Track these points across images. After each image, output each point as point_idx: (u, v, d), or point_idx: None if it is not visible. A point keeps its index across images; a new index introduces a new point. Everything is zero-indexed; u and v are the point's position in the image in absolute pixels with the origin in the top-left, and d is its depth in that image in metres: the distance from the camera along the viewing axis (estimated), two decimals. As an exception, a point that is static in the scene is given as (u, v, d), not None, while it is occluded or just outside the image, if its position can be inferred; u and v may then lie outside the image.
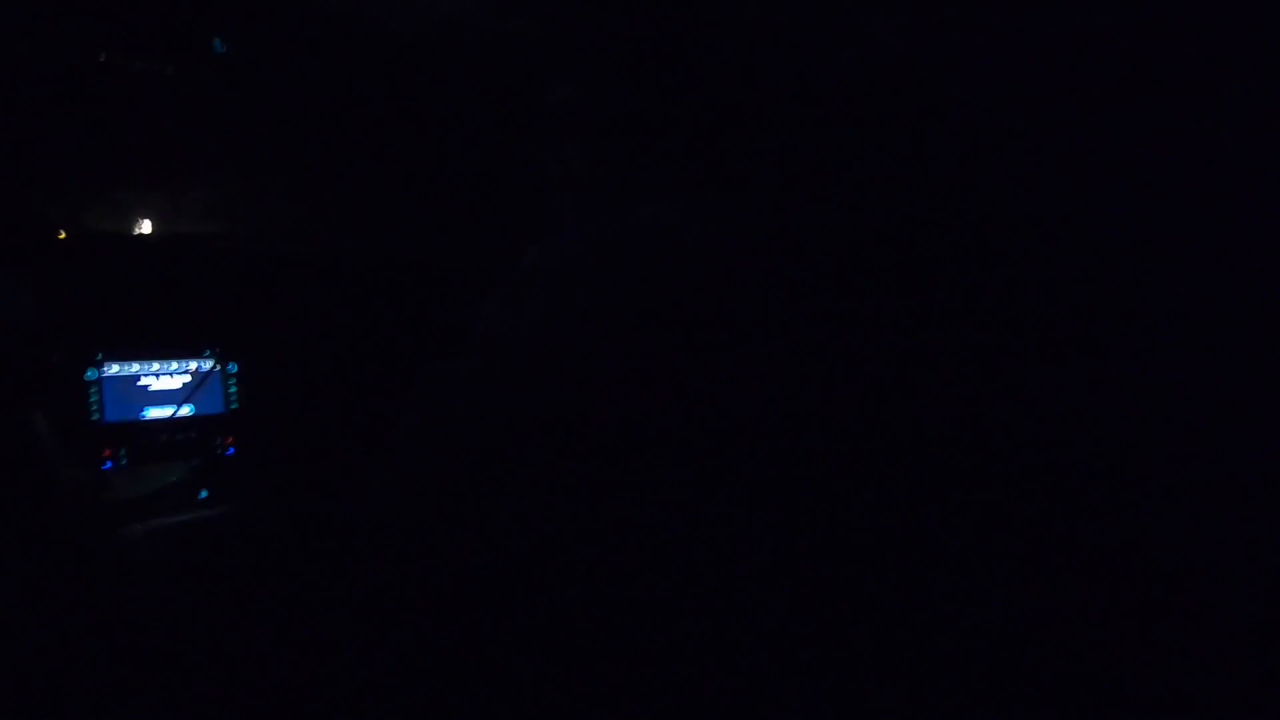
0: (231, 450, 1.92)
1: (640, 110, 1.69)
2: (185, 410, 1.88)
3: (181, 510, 1.82)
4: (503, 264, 1.88)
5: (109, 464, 1.76)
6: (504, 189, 2.08)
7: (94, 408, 1.79)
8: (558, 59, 1.98)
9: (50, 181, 1.81)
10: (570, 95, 1.83)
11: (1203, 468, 1.32)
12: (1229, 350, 1.32)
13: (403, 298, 2.09)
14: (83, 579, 1.64)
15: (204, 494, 1.85)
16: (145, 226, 1.92)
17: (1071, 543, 1.42)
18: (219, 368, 1.93)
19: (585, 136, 1.80)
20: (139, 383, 1.85)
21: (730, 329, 1.28)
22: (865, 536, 1.36)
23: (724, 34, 1.57)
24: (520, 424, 1.43)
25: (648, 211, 1.38)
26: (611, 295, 1.53)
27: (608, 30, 1.69)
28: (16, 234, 1.72)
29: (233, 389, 1.95)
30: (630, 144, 1.69)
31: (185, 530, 1.80)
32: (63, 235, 1.75)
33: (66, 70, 1.72)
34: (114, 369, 1.83)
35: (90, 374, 1.79)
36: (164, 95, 1.82)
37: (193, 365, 1.91)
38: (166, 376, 1.88)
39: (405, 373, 2.04)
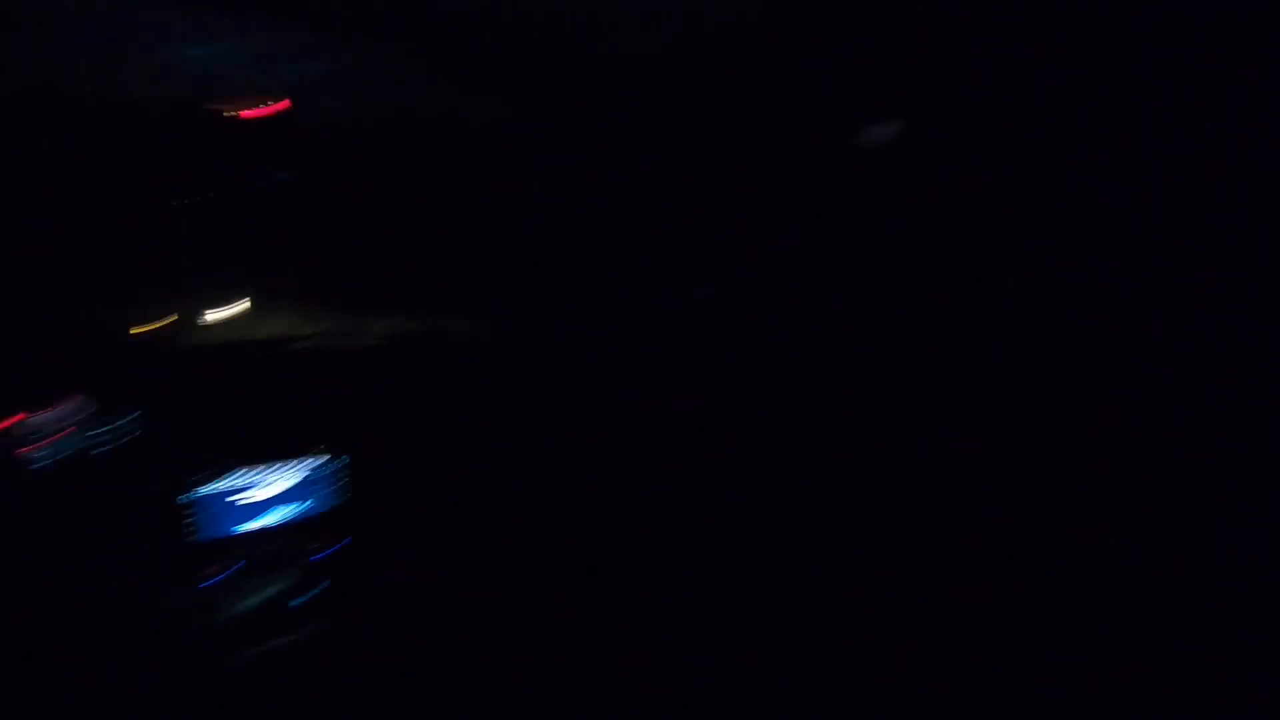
0: (322, 555, 2.01)
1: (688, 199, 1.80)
2: (278, 517, 2.00)
3: (279, 628, 1.93)
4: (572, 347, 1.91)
5: (210, 581, 1.89)
6: (568, 275, 2.07)
7: (192, 528, 1.91)
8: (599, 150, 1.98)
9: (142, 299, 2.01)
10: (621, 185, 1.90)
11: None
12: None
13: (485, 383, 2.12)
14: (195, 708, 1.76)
15: (297, 602, 1.94)
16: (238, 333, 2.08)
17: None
18: (314, 471, 2.04)
19: (640, 224, 1.89)
20: (231, 497, 1.98)
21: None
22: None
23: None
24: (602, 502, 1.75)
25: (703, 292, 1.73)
26: (677, 374, 1.79)
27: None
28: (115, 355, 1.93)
29: (324, 491, 2.04)
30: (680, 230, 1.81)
31: (285, 652, 1.89)
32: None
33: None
34: (208, 487, 1.96)
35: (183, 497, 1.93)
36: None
37: (285, 472, 2.02)
38: (258, 489, 2.00)
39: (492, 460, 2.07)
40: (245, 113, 1.88)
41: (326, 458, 2.05)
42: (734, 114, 1.83)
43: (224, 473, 1.96)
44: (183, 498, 1.91)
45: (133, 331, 1.93)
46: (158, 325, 1.96)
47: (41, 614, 1.68)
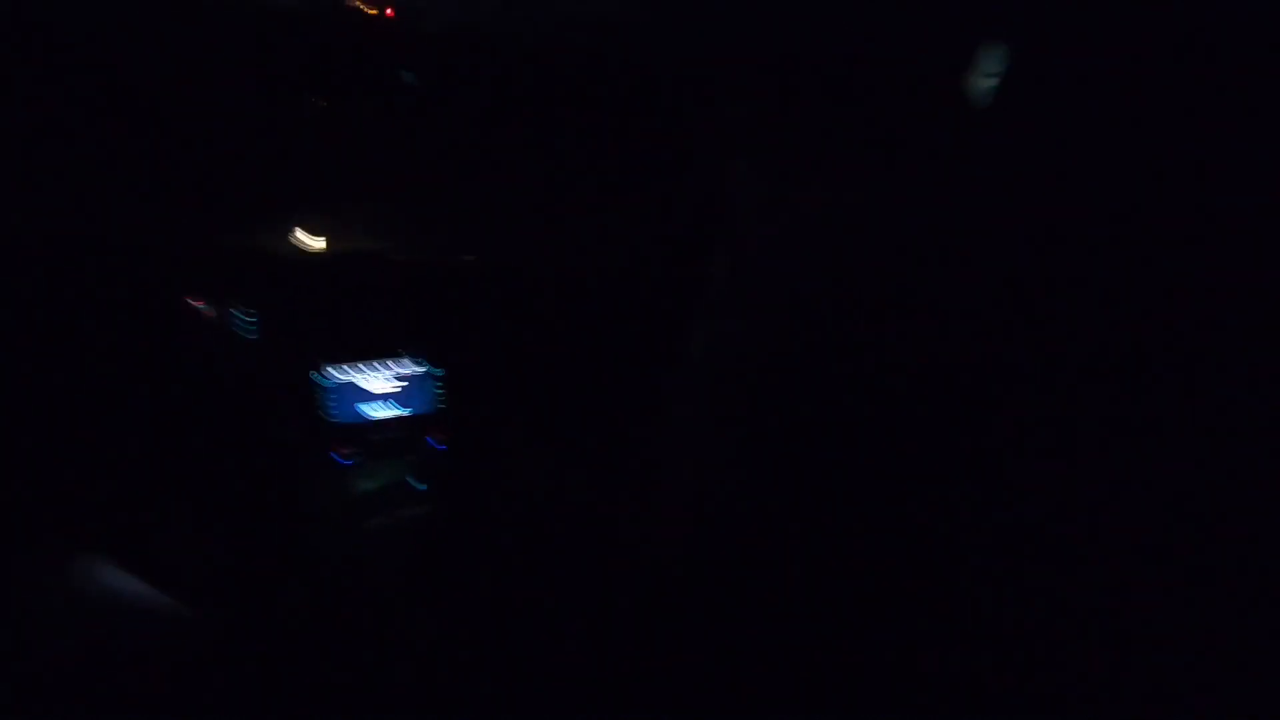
0: (443, 447, 2.06)
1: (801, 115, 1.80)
2: (401, 410, 2.05)
3: (407, 506, 1.98)
4: (688, 272, 1.93)
5: (348, 461, 1.94)
6: (676, 200, 2.14)
7: (326, 408, 1.98)
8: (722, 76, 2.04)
9: (264, 210, 2.04)
10: (738, 109, 1.93)
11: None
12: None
13: (588, 308, 2.19)
14: (330, 569, 1.81)
15: (423, 488, 2.00)
16: (356, 245, 2.12)
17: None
18: (428, 372, 2.09)
19: (752, 146, 1.90)
20: (359, 387, 2.04)
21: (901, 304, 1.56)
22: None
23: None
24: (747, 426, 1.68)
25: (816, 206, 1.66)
26: (803, 288, 1.60)
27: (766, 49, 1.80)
28: (238, 259, 1.95)
29: (439, 391, 2.10)
30: (793, 147, 1.81)
31: (414, 524, 1.96)
32: (285, 253, 1.98)
33: (284, 112, 1.95)
34: (336, 375, 2.02)
35: (318, 379, 1.98)
36: (368, 125, 2.01)
37: (404, 370, 2.08)
38: (381, 381, 2.06)
39: (595, 377, 2.14)
40: (376, 13, 1.90)
41: (427, 365, 2.09)
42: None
43: (350, 364, 2.01)
44: (314, 380, 1.96)
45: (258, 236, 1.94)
46: (281, 229, 1.97)
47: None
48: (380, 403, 2.04)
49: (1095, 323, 1.57)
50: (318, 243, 2.04)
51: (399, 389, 2.06)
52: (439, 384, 2.10)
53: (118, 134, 1.80)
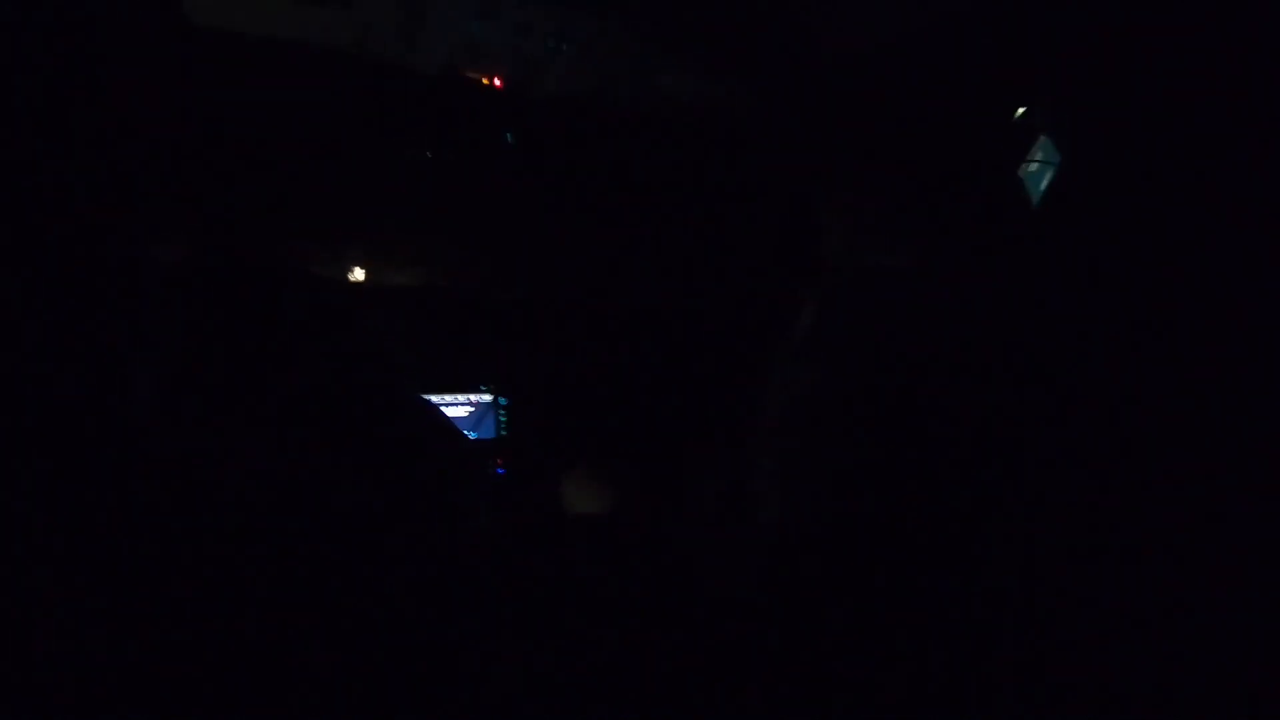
0: (501, 470, 2.32)
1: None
2: (470, 435, 2.30)
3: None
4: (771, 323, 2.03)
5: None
6: (765, 243, 2.24)
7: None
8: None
9: (373, 248, 2.20)
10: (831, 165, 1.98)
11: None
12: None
13: (665, 346, 2.36)
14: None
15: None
16: (430, 279, 2.29)
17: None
18: (495, 401, 2.32)
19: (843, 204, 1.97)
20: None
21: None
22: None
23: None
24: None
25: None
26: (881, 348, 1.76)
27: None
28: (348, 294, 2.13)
29: (503, 419, 2.34)
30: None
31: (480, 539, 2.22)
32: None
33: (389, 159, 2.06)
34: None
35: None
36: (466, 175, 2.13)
37: (472, 398, 2.31)
38: (453, 407, 2.29)
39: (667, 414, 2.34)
40: (490, 81, 1.97)
41: (492, 396, 2.31)
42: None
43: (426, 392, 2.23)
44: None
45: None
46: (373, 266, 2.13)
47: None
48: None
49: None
50: (412, 278, 2.22)
51: (467, 416, 2.30)
52: (504, 413, 2.33)
53: (243, 180, 1.94)
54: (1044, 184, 1.88)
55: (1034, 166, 1.90)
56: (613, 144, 2.15)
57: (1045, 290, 1.77)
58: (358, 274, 2.17)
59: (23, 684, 0.97)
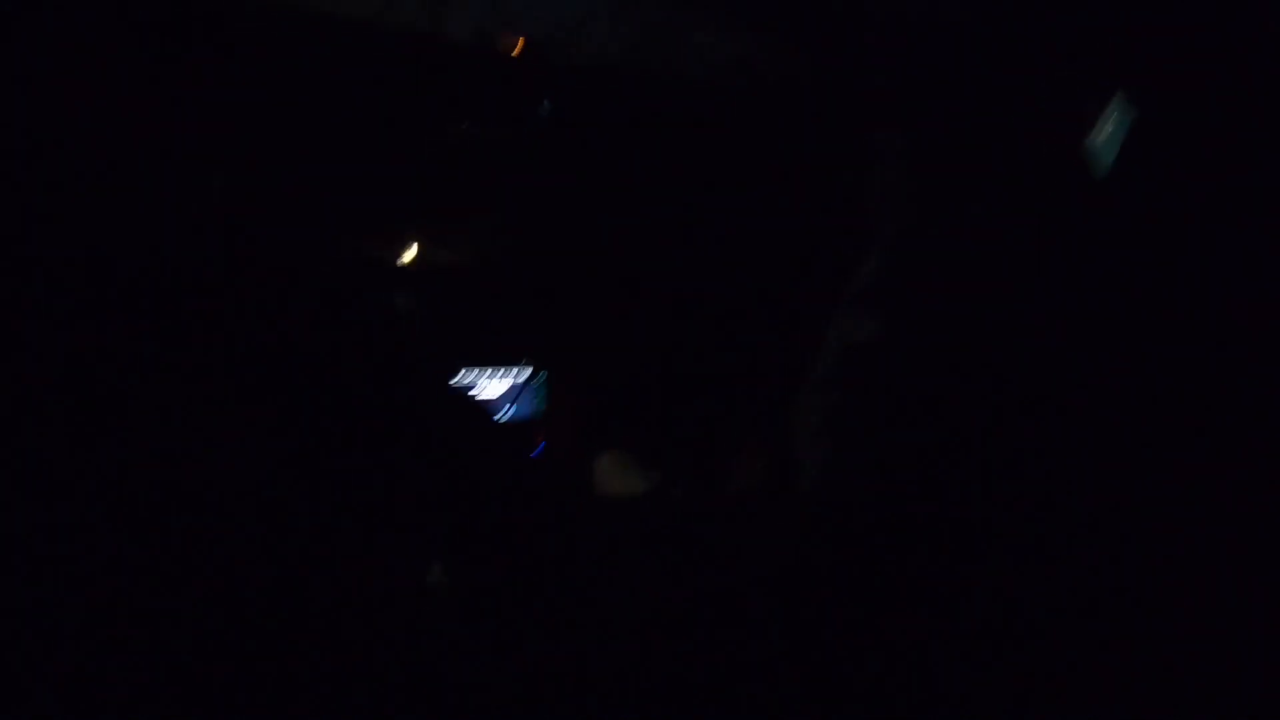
0: (540, 448, 2.30)
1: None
2: (509, 413, 2.27)
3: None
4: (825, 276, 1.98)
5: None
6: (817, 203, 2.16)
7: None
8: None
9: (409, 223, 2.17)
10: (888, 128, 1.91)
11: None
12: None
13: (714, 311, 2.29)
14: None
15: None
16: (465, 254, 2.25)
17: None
18: (533, 376, 2.28)
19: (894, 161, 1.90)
20: (472, 391, 2.25)
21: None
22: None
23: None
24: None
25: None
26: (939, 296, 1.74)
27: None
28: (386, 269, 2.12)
29: (542, 394, 2.30)
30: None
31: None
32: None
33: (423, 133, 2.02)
34: (456, 379, 2.23)
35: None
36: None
37: (512, 373, 2.28)
38: (494, 383, 2.27)
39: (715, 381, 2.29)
40: (520, 49, 1.90)
41: (531, 370, 2.28)
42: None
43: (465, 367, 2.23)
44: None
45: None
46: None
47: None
48: (495, 407, 2.26)
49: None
50: (449, 254, 2.18)
51: (510, 393, 2.27)
52: (544, 388, 2.30)
53: (273, 148, 1.91)
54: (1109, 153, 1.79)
55: (1103, 137, 1.79)
56: (651, 110, 2.07)
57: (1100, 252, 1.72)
58: (391, 252, 2.15)
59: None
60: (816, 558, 1.81)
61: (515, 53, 1.92)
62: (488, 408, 2.24)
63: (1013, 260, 1.87)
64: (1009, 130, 1.80)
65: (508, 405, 2.27)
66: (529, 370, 2.28)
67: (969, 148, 1.83)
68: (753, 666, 1.66)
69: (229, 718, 1.18)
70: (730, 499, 2.07)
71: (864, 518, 1.73)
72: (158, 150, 1.48)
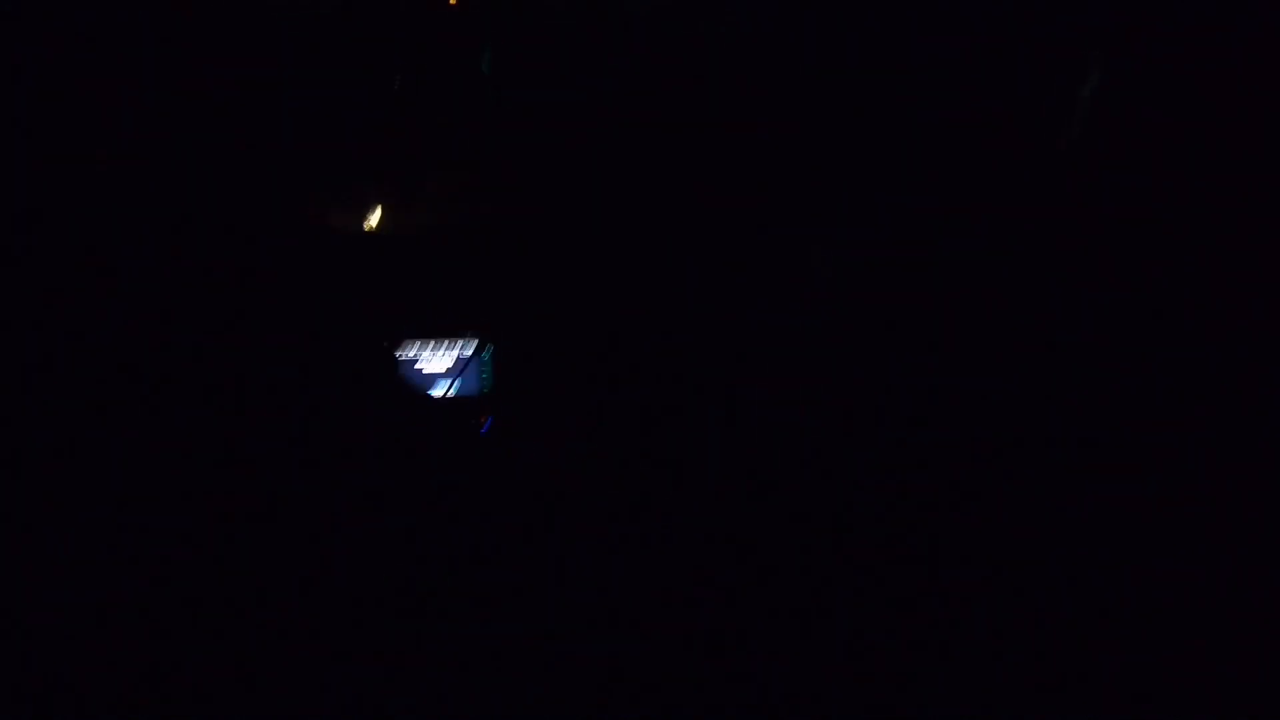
0: (486, 427, 2.18)
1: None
2: (453, 389, 2.16)
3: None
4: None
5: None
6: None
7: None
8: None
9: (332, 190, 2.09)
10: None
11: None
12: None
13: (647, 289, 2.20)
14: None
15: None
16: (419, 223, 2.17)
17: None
18: (479, 351, 2.18)
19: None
20: (416, 365, 2.15)
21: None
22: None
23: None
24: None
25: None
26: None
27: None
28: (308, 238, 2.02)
29: (488, 371, 2.20)
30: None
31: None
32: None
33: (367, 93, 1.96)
34: (399, 353, 2.13)
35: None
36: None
37: (456, 349, 2.17)
38: (438, 359, 2.16)
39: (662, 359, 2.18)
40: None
41: (478, 343, 2.18)
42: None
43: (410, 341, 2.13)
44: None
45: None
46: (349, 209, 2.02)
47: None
48: (436, 382, 2.15)
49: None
50: (386, 221, 2.10)
51: (455, 369, 2.17)
52: (491, 364, 2.19)
53: (195, 108, 1.84)
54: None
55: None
56: (596, 60, 2.01)
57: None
58: (328, 218, 2.06)
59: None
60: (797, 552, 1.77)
61: (453, 6, 1.87)
62: (426, 385, 2.14)
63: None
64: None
65: (451, 380, 2.16)
66: (475, 343, 2.18)
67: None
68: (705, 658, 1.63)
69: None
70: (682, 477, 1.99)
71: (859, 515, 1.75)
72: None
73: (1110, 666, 1.43)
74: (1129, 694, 1.40)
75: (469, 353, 2.17)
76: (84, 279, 1.61)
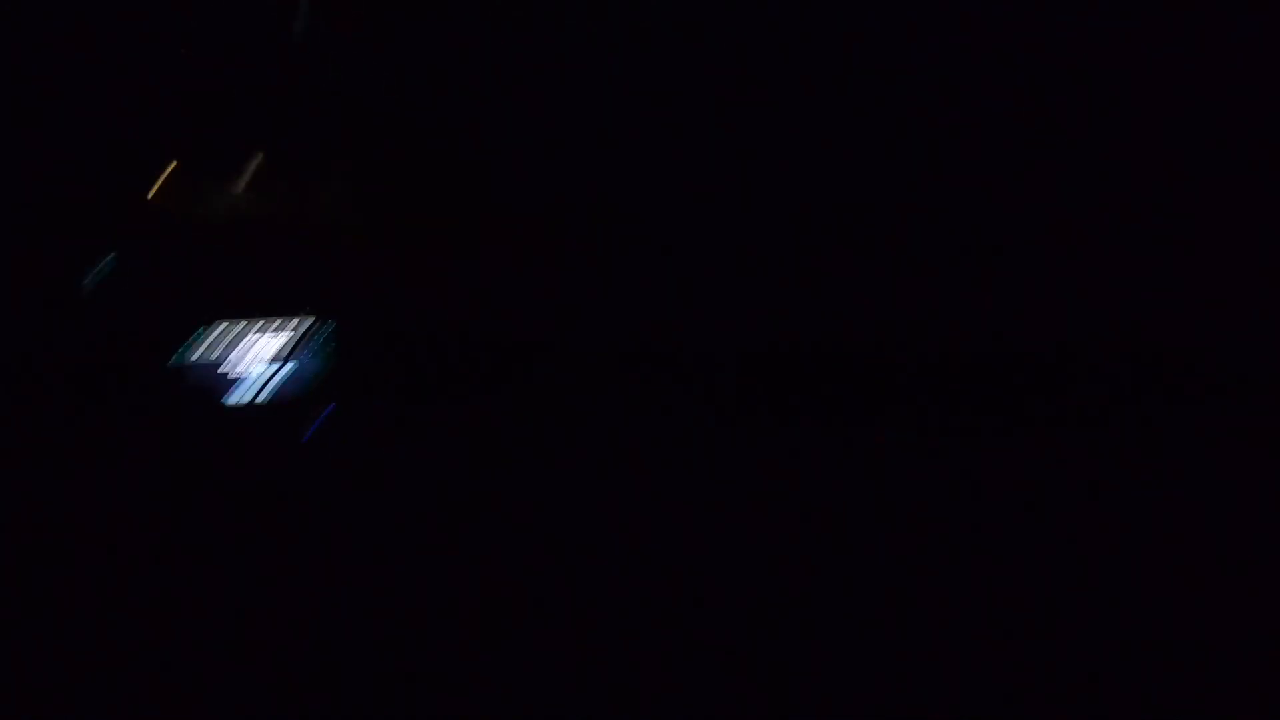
0: (330, 408, 2.00)
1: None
2: (287, 367, 1.96)
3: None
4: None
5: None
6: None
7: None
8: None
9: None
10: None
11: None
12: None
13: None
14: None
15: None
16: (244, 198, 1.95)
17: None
18: (317, 327, 1.99)
19: None
20: (245, 341, 1.94)
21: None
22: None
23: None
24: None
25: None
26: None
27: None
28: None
29: (330, 347, 2.01)
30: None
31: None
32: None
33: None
34: (223, 325, 1.92)
35: (198, 334, 1.88)
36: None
37: (292, 324, 1.97)
38: (270, 336, 1.96)
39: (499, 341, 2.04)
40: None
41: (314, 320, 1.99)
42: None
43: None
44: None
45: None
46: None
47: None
48: (271, 361, 1.95)
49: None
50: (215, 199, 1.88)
51: (291, 347, 1.97)
52: (331, 340, 2.00)
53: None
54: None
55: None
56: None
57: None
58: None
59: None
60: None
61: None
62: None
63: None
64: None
65: (283, 362, 1.96)
66: (312, 320, 1.98)
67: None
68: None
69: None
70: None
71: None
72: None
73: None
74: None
75: (305, 330, 1.98)
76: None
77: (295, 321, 1.98)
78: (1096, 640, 1.45)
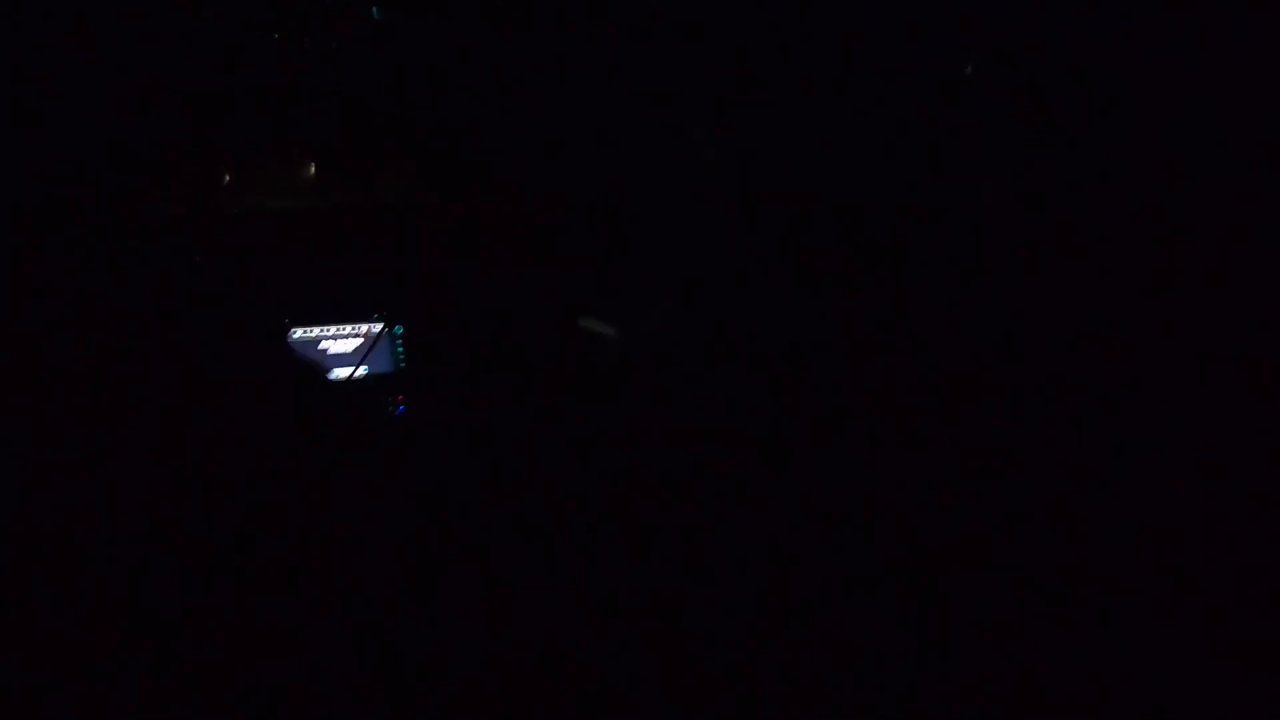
0: (402, 409, 2.06)
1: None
2: (361, 370, 2.02)
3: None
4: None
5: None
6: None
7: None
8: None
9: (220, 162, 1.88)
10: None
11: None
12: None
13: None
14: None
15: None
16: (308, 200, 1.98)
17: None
18: (387, 330, 2.04)
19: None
20: (319, 346, 1.99)
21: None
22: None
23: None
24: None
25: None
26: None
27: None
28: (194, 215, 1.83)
29: (400, 350, 2.06)
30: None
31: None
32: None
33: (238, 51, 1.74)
34: (298, 334, 1.97)
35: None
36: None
37: (364, 328, 2.03)
38: (343, 340, 2.01)
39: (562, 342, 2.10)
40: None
41: (388, 324, 2.04)
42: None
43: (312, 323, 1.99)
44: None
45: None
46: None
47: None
48: (341, 364, 2.01)
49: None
50: (284, 201, 1.91)
51: (361, 349, 2.02)
52: (400, 343, 2.06)
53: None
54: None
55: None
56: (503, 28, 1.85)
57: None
58: (221, 199, 1.85)
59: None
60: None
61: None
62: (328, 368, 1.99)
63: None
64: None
65: (357, 363, 2.02)
66: (382, 324, 2.03)
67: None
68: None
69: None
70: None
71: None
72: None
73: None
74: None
75: (374, 331, 2.03)
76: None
77: (365, 328, 2.03)
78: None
